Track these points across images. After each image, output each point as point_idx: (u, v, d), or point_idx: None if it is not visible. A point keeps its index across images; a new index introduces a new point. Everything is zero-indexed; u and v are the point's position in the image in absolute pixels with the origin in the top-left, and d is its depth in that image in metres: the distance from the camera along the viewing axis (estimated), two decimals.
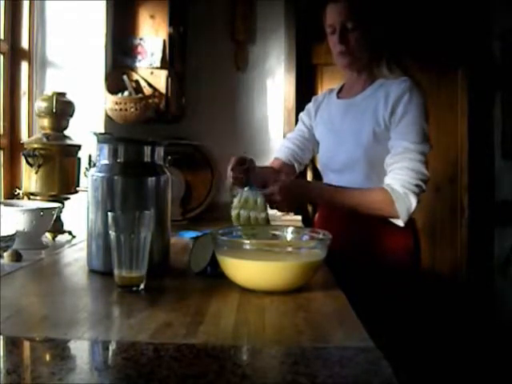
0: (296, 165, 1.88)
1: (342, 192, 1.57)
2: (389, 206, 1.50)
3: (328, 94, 1.84)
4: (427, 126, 1.56)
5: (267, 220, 1.43)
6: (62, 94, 1.76)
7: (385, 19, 1.67)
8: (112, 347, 0.79)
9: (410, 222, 1.68)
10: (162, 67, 2.22)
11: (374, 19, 1.62)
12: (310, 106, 1.89)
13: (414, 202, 1.49)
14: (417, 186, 1.50)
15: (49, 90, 1.80)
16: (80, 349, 0.77)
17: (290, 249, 1.17)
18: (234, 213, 1.45)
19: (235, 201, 1.45)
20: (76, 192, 1.75)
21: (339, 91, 1.79)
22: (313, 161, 2.99)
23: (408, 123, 1.53)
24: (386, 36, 1.65)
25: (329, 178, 1.73)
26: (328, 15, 1.63)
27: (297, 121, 2.72)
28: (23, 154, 1.67)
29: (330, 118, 1.75)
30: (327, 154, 1.74)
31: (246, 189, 1.47)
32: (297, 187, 1.60)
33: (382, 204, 1.51)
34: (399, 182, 1.49)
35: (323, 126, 1.78)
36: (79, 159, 1.76)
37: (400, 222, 1.52)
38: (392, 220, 1.54)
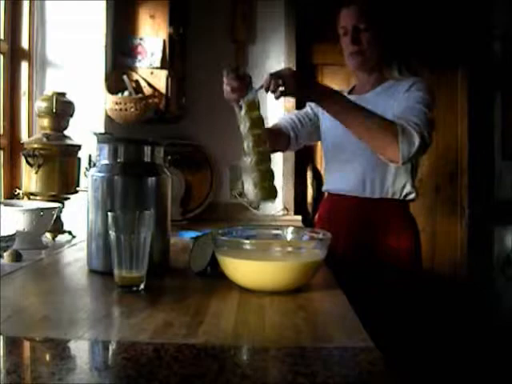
0: (292, 137, 1.81)
1: (353, 103, 1.51)
2: (393, 135, 1.42)
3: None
4: (430, 113, 1.53)
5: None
6: (62, 94, 1.76)
7: (395, 21, 1.70)
8: (112, 347, 0.79)
9: (412, 222, 1.68)
10: (162, 67, 2.22)
11: (385, 21, 1.66)
12: None
13: (417, 143, 1.41)
14: (422, 134, 1.43)
15: (49, 90, 1.80)
16: (80, 349, 0.77)
17: (290, 249, 1.17)
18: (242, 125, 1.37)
19: (242, 109, 1.38)
20: (76, 192, 1.75)
21: (350, 91, 1.81)
22: (313, 161, 3.00)
23: (416, 96, 1.53)
24: (396, 38, 1.68)
25: (334, 168, 1.74)
26: (342, 18, 1.68)
27: None
28: (23, 154, 1.67)
29: None
30: (335, 141, 1.74)
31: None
32: (309, 78, 1.56)
33: (388, 130, 1.43)
34: (404, 121, 1.44)
35: (332, 119, 1.77)
36: (79, 159, 1.76)
37: (398, 159, 1.43)
38: (387, 158, 1.47)
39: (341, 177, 1.67)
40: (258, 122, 1.37)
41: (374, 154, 1.50)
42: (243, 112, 1.37)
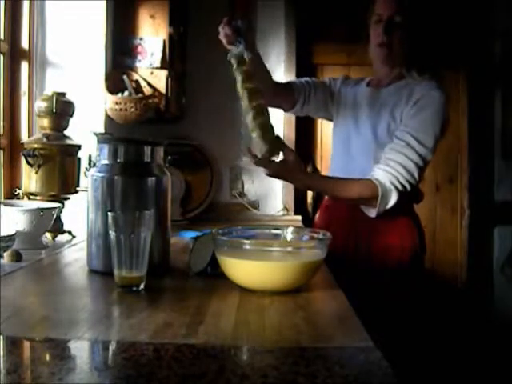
0: (300, 99, 1.79)
1: (329, 181, 1.61)
2: (371, 200, 1.50)
3: (358, 81, 1.81)
4: (440, 136, 1.54)
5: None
6: (62, 94, 1.76)
7: (427, 21, 1.68)
8: (112, 347, 0.79)
9: (416, 220, 1.66)
10: (162, 67, 2.22)
11: (419, 19, 1.63)
12: (338, 78, 1.85)
13: (394, 199, 1.50)
14: (402, 185, 1.50)
15: (49, 90, 1.80)
16: (80, 349, 0.77)
17: (289, 249, 1.17)
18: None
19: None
20: (76, 192, 1.75)
21: (369, 81, 1.77)
22: (313, 161, 2.99)
23: (422, 120, 1.53)
24: (425, 38, 1.65)
25: (339, 164, 1.73)
26: (378, 5, 1.63)
27: (297, 120, 2.73)
28: (23, 154, 1.67)
29: (354, 101, 1.73)
30: (343, 137, 1.73)
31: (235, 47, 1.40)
32: (287, 171, 1.51)
33: (367, 200, 1.52)
34: (388, 176, 1.49)
35: (345, 106, 1.76)
36: (79, 159, 1.76)
37: (372, 214, 1.53)
38: (363, 208, 1.56)
39: (346, 173, 1.65)
40: (249, 75, 1.36)
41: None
42: (234, 67, 1.37)
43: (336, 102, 1.79)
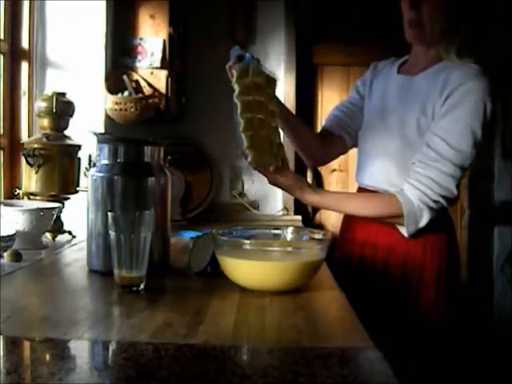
0: (345, 135, 1.63)
1: (339, 196, 1.49)
2: (397, 218, 1.34)
3: (390, 64, 1.58)
4: (480, 132, 1.31)
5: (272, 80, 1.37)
6: (62, 94, 1.76)
7: None
8: (112, 347, 0.79)
9: (446, 224, 1.49)
10: (162, 67, 2.22)
11: None
12: (367, 74, 1.65)
13: (426, 218, 1.31)
14: (436, 202, 1.31)
15: (49, 90, 1.80)
16: (80, 349, 0.77)
17: (289, 249, 1.17)
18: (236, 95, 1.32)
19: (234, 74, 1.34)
20: (76, 192, 1.75)
21: (402, 64, 1.55)
22: None
23: (457, 119, 1.31)
24: (464, 12, 1.48)
25: (363, 162, 1.55)
26: None
27: None
28: (23, 154, 1.68)
29: (383, 91, 1.53)
30: (368, 135, 1.55)
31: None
32: (287, 186, 1.39)
33: (390, 218, 1.37)
34: (418, 194, 1.31)
35: (375, 100, 1.57)
36: (79, 159, 1.76)
37: (405, 233, 1.37)
38: (398, 227, 1.38)
39: (366, 178, 1.52)
40: (248, 88, 1.32)
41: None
42: (234, 78, 1.33)
43: (368, 103, 1.61)
